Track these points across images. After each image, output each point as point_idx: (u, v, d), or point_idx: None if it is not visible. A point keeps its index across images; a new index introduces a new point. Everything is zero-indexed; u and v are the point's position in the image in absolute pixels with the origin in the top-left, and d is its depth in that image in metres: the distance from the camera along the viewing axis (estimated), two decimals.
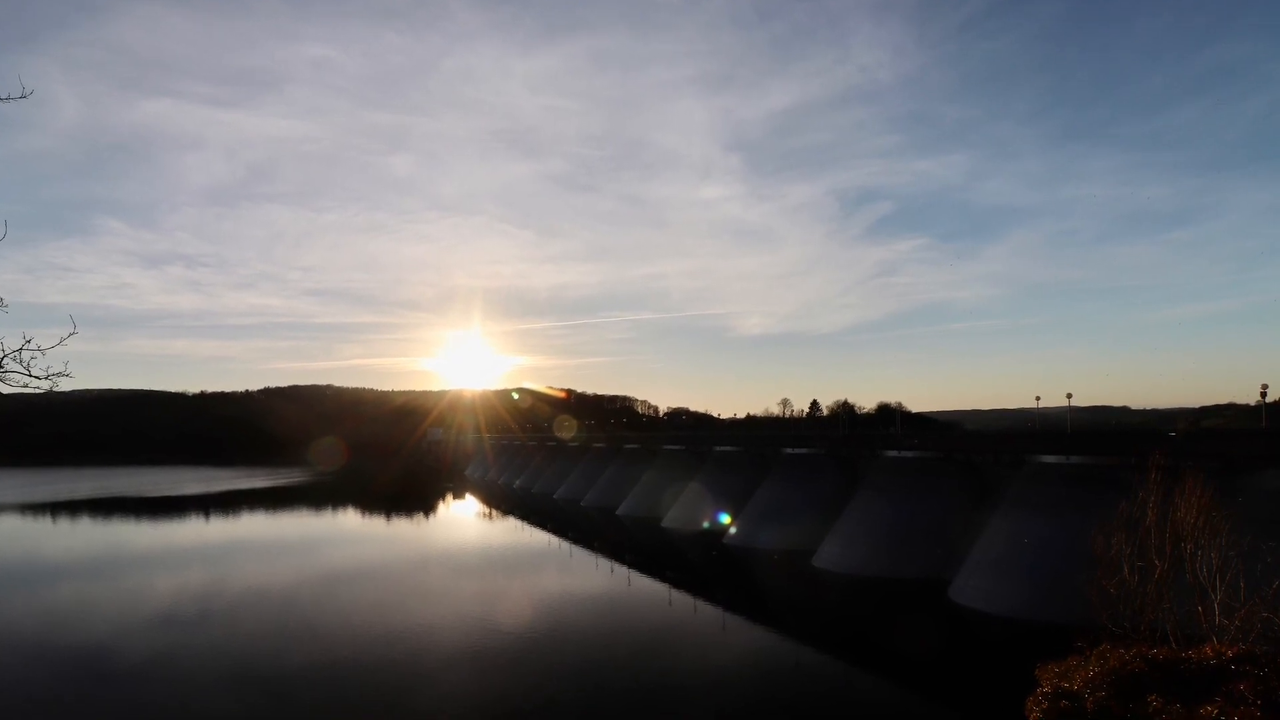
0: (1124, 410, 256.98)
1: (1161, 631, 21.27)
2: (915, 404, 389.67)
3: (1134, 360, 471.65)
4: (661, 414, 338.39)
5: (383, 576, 67.26)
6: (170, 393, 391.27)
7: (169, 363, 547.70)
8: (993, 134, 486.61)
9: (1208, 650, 18.91)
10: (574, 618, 50.74)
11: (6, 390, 10.56)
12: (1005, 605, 46.73)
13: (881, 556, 59.80)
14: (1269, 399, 58.42)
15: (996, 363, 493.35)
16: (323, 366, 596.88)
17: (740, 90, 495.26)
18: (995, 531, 52.92)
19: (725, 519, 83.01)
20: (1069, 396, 72.32)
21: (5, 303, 10.66)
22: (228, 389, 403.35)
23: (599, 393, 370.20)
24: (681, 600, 54.74)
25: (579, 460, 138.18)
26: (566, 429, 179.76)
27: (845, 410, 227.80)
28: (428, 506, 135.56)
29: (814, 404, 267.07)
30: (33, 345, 9.89)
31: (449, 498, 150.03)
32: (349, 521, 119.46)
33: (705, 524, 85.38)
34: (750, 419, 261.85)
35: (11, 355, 9.86)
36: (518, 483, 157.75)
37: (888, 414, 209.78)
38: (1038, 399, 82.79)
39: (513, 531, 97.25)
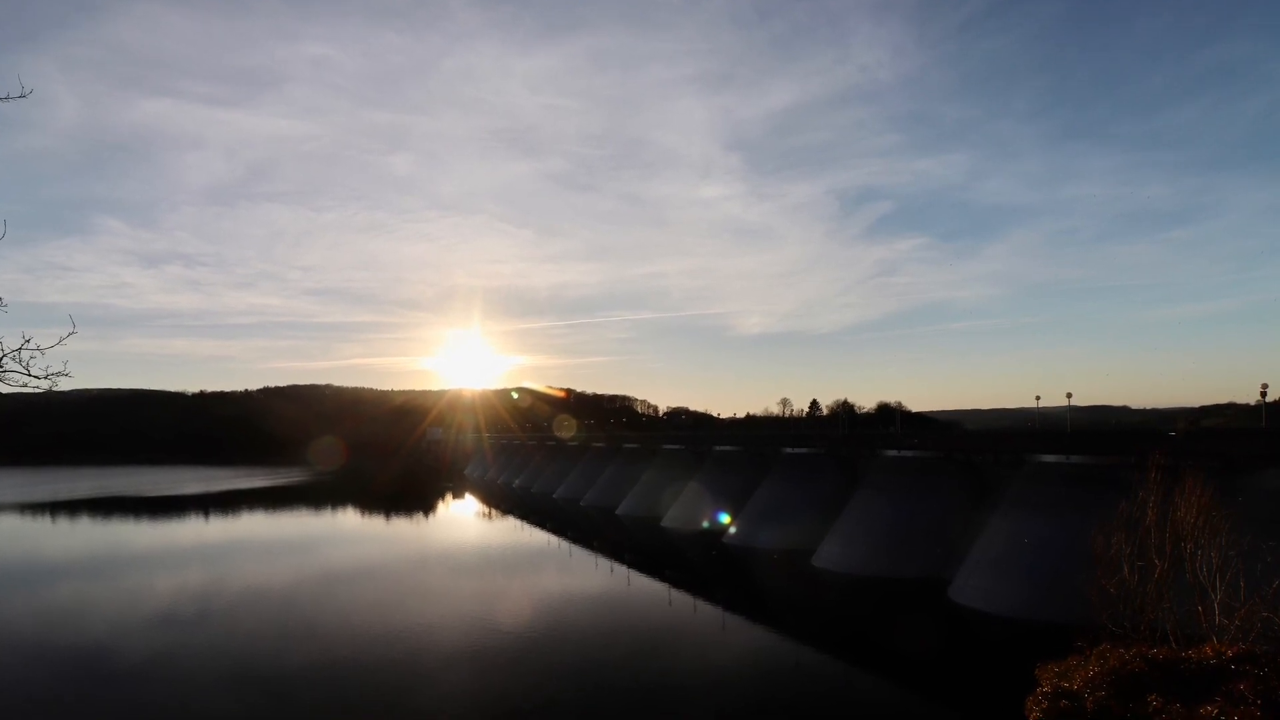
0: (1124, 410, 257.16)
1: (1161, 631, 21.26)
2: (915, 403, 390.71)
3: (1134, 360, 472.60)
4: (661, 413, 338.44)
5: (382, 576, 67.25)
6: (169, 392, 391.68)
7: (168, 362, 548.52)
8: (992, 133, 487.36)
9: (1208, 650, 18.91)
10: (573, 617, 50.73)
11: (6, 390, 10.55)
12: (1005, 605, 46.74)
13: (881, 556, 59.80)
14: (1269, 398, 58.46)
15: (996, 362, 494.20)
16: (322, 366, 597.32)
17: (740, 89, 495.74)
18: (995, 531, 52.92)
19: (725, 518, 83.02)
20: (1069, 396, 72.34)
21: (4, 302, 10.65)
22: (227, 388, 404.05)
23: (598, 392, 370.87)
24: (681, 600, 54.73)
25: (578, 460, 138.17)
26: (566, 428, 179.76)
27: (845, 410, 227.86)
28: (427, 506, 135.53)
29: (814, 403, 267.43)
30: (32, 345, 9.88)
31: (448, 497, 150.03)
32: (348, 521, 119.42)
33: (705, 523, 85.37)
34: (750, 418, 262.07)
35: (11, 355, 9.85)
36: (517, 482, 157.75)
37: (887, 413, 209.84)
38: (1037, 398, 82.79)
39: (512, 531, 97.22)
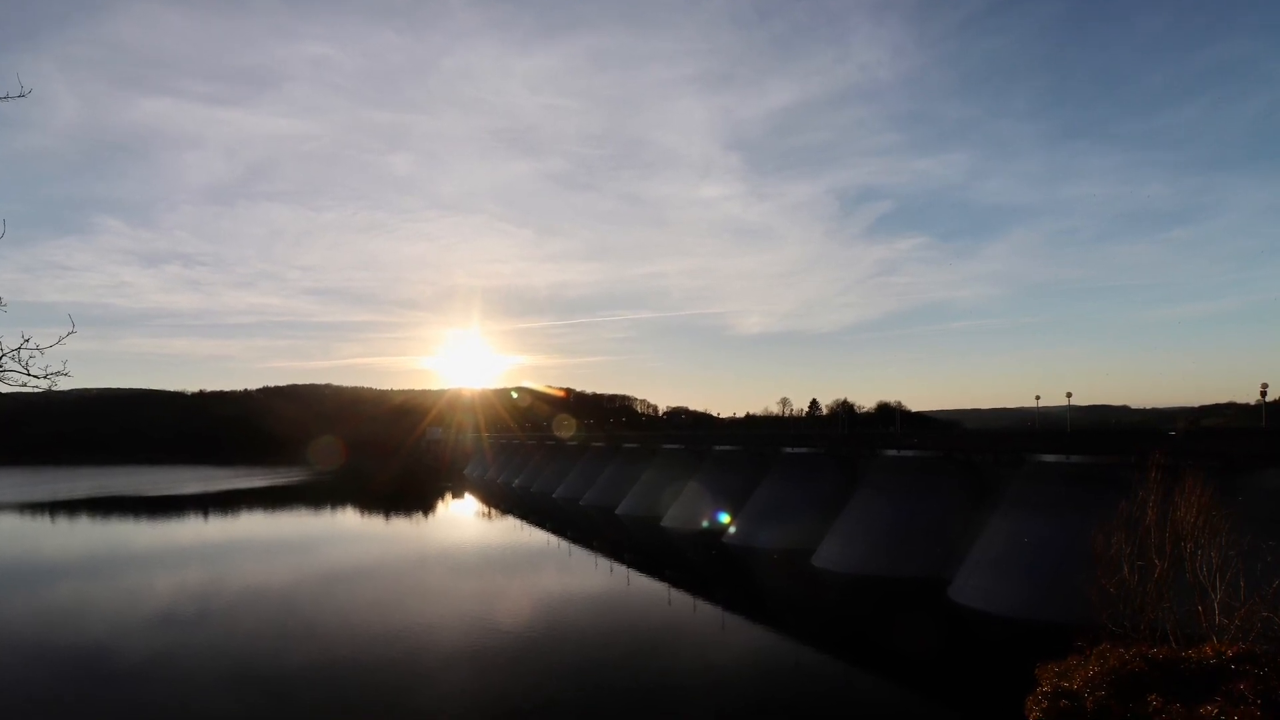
0: (1124, 409, 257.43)
1: (1161, 631, 21.23)
2: (915, 403, 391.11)
3: (1134, 359, 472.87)
4: (661, 413, 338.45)
5: (381, 576, 67.26)
6: (169, 392, 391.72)
7: (167, 362, 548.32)
8: (992, 133, 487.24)
9: (1208, 650, 18.87)
10: (573, 617, 50.74)
11: (5, 389, 10.53)
12: (1005, 604, 46.75)
13: (881, 556, 59.82)
14: (1269, 398, 58.50)
15: (996, 362, 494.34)
16: (322, 365, 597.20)
17: (740, 89, 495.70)
18: (995, 531, 52.93)
19: (724, 518, 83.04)
20: (1069, 395, 72.39)
21: (4, 302, 10.64)
22: (226, 388, 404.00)
23: (598, 392, 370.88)
24: (681, 599, 54.74)
25: (578, 459, 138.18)
26: (565, 428, 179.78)
27: (845, 409, 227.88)
28: (426, 505, 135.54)
29: (813, 403, 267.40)
30: (31, 344, 9.85)
31: (448, 497, 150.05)
32: (347, 520, 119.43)
33: (704, 523, 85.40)
34: (749, 418, 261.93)
35: (10, 354, 9.83)
36: (517, 482, 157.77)
37: (887, 413, 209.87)
38: (1037, 398, 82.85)
39: (511, 530, 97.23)
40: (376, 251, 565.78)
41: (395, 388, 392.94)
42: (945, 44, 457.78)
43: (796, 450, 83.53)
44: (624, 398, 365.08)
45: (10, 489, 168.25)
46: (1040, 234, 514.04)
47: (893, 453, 69.71)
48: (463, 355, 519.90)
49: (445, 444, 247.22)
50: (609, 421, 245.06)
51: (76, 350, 10.19)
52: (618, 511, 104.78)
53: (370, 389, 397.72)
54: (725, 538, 78.29)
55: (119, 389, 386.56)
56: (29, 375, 9.93)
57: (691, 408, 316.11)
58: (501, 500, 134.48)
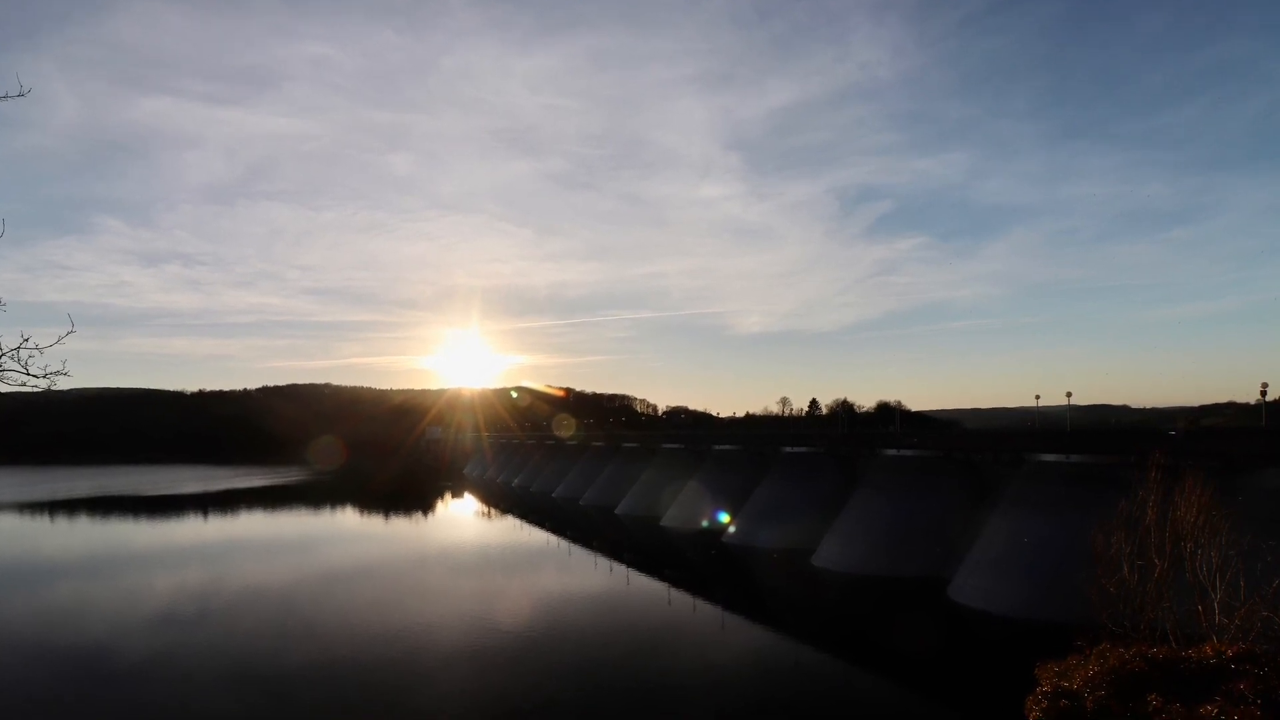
0: (1124, 409, 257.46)
1: (1161, 630, 21.23)
2: (914, 403, 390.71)
3: (1134, 359, 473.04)
4: (660, 413, 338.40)
5: (381, 575, 67.23)
6: (168, 391, 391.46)
7: (167, 361, 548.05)
8: (992, 132, 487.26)
9: (1208, 649, 18.89)
10: (573, 617, 50.72)
11: (5, 389, 10.52)
12: (1005, 604, 46.75)
13: (881, 555, 59.81)
14: (1269, 398, 58.52)
15: (996, 361, 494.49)
16: (321, 365, 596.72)
17: (740, 89, 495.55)
18: (995, 530, 52.93)
19: (724, 518, 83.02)
20: (1068, 395, 72.53)
21: (3, 301, 10.65)
22: (226, 388, 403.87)
23: (598, 391, 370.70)
24: (680, 599, 54.72)
25: (578, 459, 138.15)
26: (565, 427, 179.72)
27: (844, 409, 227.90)
28: (426, 505, 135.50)
29: (813, 403, 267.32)
30: (31, 344, 9.85)
31: (447, 496, 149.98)
32: (347, 520, 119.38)
33: (704, 523, 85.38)
34: (749, 418, 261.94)
35: (10, 354, 9.83)
36: (516, 481, 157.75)
37: (887, 413, 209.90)
38: (1037, 398, 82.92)
39: (511, 530, 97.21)
40: (376, 251, 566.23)
41: (395, 387, 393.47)
42: (945, 43, 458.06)
43: (796, 450, 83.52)
44: (624, 397, 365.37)
45: (10, 489, 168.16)
46: (1040, 234, 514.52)
47: (892, 452, 69.70)
48: (462, 355, 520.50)
49: (445, 444, 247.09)
50: (609, 421, 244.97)
51: (76, 350, 10.19)
52: (617, 511, 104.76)
53: (370, 389, 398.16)
54: (725, 537, 78.28)
55: (118, 389, 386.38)
56: (28, 375, 9.93)
57: (691, 407, 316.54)
58: (501, 500, 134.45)
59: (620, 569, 65.89)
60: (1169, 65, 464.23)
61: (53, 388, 10.33)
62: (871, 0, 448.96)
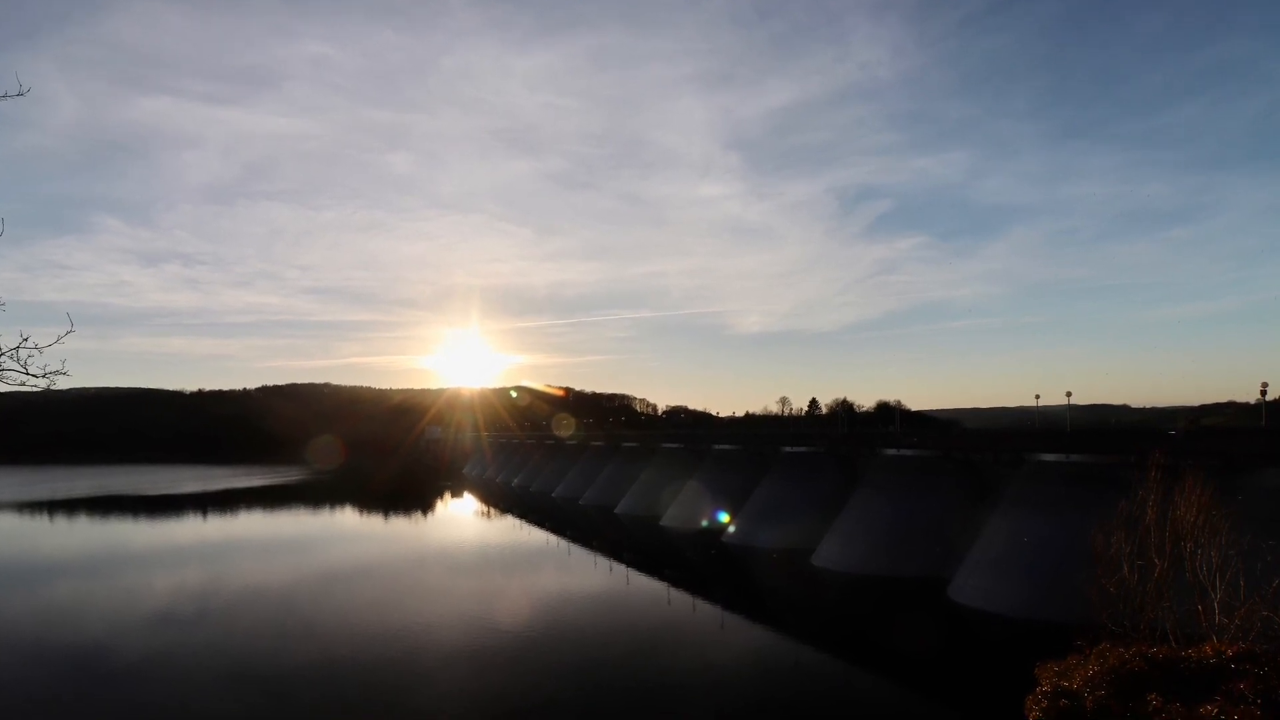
0: (1124, 409, 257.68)
1: (1161, 630, 21.22)
2: (914, 402, 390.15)
3: (1134, 358, 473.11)
4: (660, 412, 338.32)
5: (380, 575, 67.22)
6: (168, 391, 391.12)
7: (166, 361, 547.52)
8: (992, 132, 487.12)
9: (1207, 649, 18.87)
10: (572, 616, 50.72)
11: (4, 389, 10.50)
12: (1005, 604, 46.76)
13: (881, 555, 59.82)
14: (1269, 397, 58.54)
15: (996, 361, 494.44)
16: (321, 365, 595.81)
17: (739, 88, 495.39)
18: (995, 530, 52.94)
19: (724, 517, 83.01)
20: (1068, 395, 72.49)
21: (2, 301, 10.63)
22: (225, 387, 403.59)
23: (597, 391, 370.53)
24: (680, 599, 54.73)
25: (577, 459, 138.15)
26: (565, 427, 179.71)
27: (844, 408, 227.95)
28: (425, 505, 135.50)
29: (813, 402, 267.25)
30: (30, 343, 9.82)
31: (447, 496, 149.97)
32: (347, 520, 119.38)
33: (704, 522, 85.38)
34: (749, 417, 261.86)
35: (9, 354, 9.80)
36: (516, 481, 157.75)
37: (887, 412, 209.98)
38: (1037, 397, 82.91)
39: (511, 530, 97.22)
40: (376, 251, 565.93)
41: (394, 387, 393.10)
42: (945, 43, 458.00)
43: (796, 450, 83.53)
44: (623, 397, 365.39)
45: (9, 488, 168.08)
46: (1040, 233, 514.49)
47: (892, 452, 69.71)
48: (462, 354, 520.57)
49: (444, 443, 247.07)
50: (608, 421, 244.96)
51: (75, 349, 10.17)
52: (617, 511, 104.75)
53: (369, 388, 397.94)
54: (725, 537, 78.27)
55: (118, 388, 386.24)
56: (27, 374, 9.90)
57: (691, 407, 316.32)
58: (500, 499, 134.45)
59: (620, 569, 65.88)
60: (1169, 65, 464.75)
61: (52, 387, 10.31)
62: (871, 0, 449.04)
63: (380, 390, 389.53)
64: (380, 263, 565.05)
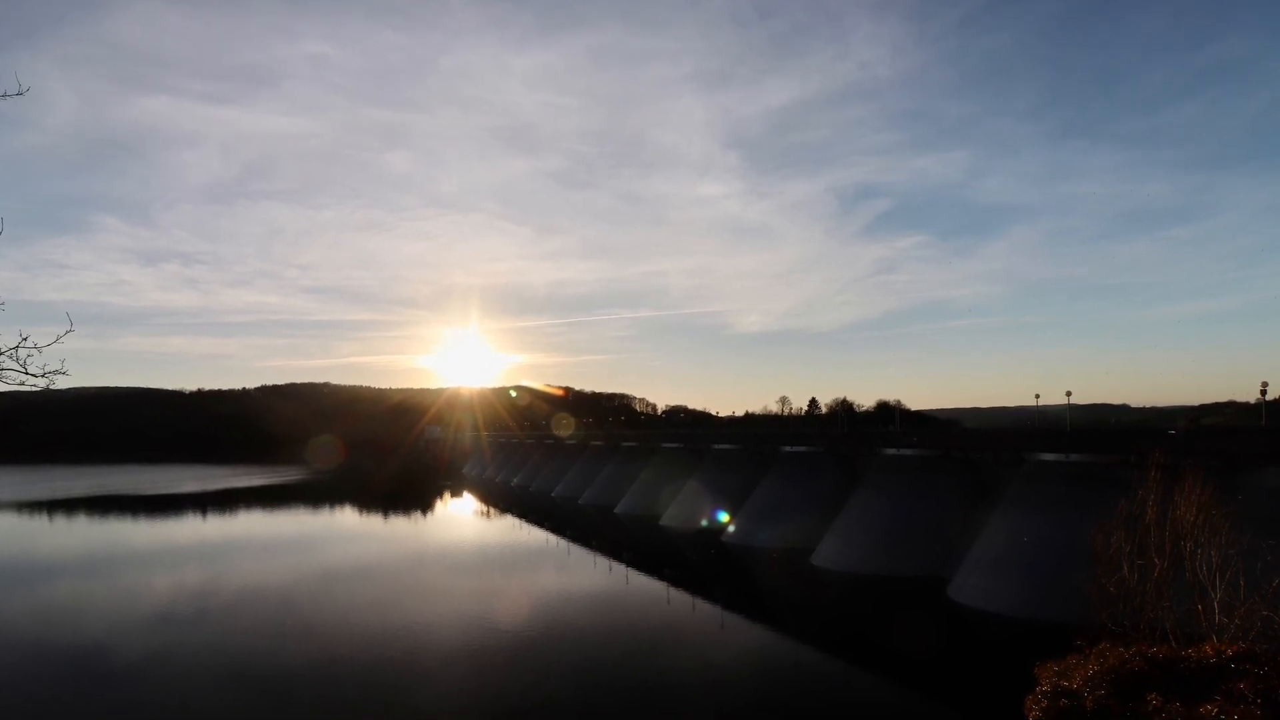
0: (1123, 408, 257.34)
1: (1161, 630, 21.21)
2: (914, 402, 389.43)
3: (1134, 358, 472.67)
4: (660, 412, 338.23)
5: (380, 574, 67.20)
6: (167, 390, 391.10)
7: (165, 360, 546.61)
8: (992, 131, 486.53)
9: (1207, 649, 18.86)
10: (572, 616, 50.72)
11: (3, 388, 10.49)
12: (1004, 604, 46.77)
13: (880, 555, 59.83)
14: (1269, 397, 58.57)
15: (995, 361, 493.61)
16: (320, 364, 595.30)
17: (739, 87, 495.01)
18: (994, 530, 52.95)
19: (724, 517, 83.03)
20: (1068, 394, 72.45)
21: (2, 300, 10.63)
22: (224, 387, 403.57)
23: (597, 390, 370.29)
24: (680, 599, 54.73)
25: (577, 458, 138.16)
26: (564, 427, 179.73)
27: (844, 408, 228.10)
28: (425, 504, 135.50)
29: (813, 402, 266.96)
30: (29, 343, 9.80)
31: (446, 495, 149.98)
32: (346, 520, 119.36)
33: (704, 522, 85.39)
34: (749, 417, 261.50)
35: (8, 353, 9.79)
36: (515, 481, 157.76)
37: (887, 412, 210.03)
38: (1037, 397, 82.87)
39: (510, 529, 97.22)
40: (375, 250, 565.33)
41: (394, 386, 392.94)
42: (945, 42, 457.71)
43: (796, 449, 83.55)
44: (623, 396, 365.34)
45: (8, 488, 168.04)
46: (1040, 232, 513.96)
47: (892, 451, 69.72)
48: (461, 354, 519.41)
49: (444, 443, 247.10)
50: (608, 420, 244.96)
51: (74, 349, 10.15)
52: (616, 510, 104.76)
53: (369, 388, 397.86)
54: (724, 537, 78.28)
55: (117, 388, 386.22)
56: (27, 374, 9.89)
57: (690, 406, 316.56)
58: (500, 499, 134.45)
59: (619, 568, 65.88)
60: (1169, 64, 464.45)
61: (51, 387, 10.30)
62: None
63: (380, 390, 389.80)
64: (379, 262, 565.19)
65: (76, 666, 40.22)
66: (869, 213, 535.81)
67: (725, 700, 34.28)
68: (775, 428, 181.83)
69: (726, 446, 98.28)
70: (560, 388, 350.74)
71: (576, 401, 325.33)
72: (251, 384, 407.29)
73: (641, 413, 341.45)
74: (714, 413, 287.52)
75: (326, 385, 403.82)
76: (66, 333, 10.19)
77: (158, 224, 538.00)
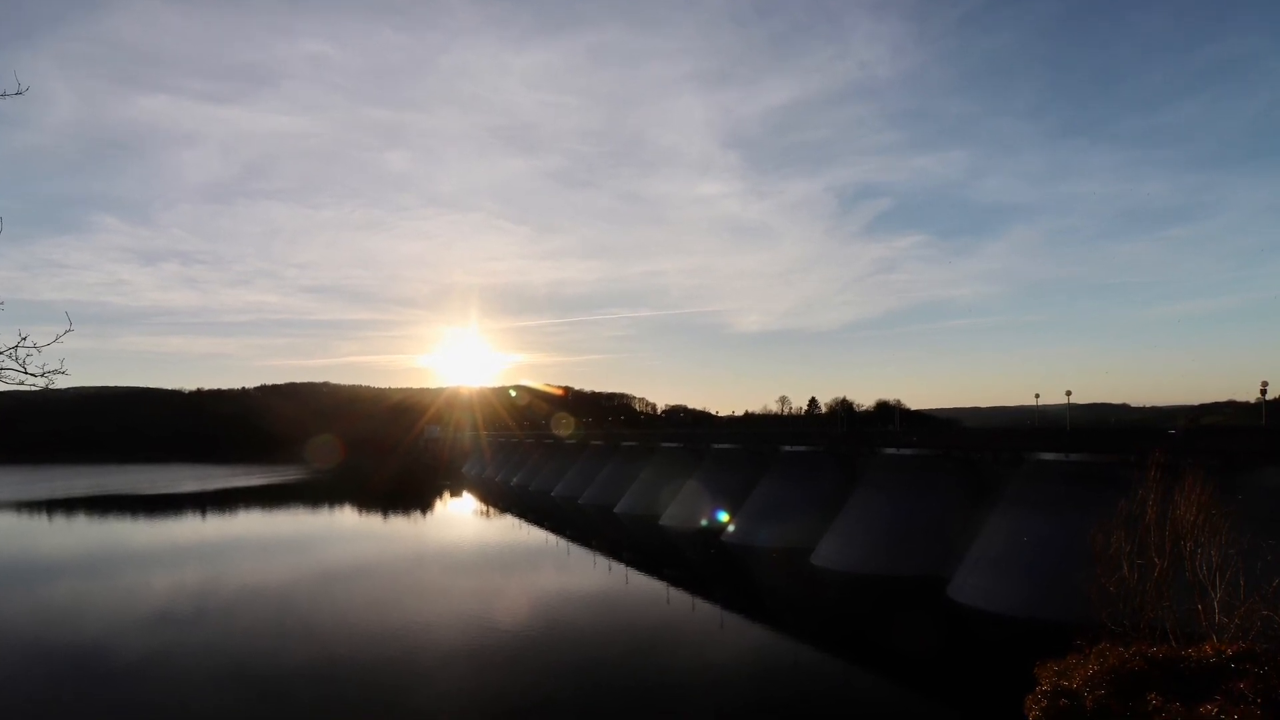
0: (1123, 408, 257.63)
1: (1161, 629, 21.20)
2: (914, 401, 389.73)
3: (1133, 357, 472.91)
4: (659, 411, 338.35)
5: (379, 574, 67.18)
6: (166, 390, 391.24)
7: (165, 360, 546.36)
8: (992, 130, 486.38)
9: (1207, 648, 18.85)
10: (571, 616, 50.72)
11: (3, 388, 10.47)
12: (1004, 603, 46.78)
13: (880, 554, 59.84)
14: (1269, 396, 58.61)
15: (995, 360, 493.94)
16: (319, 364, 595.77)
17: (739, 87, 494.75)
18: (994, 529, 52.96)
19: (723, 517, 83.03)
20: (1068, 394, 72.53)
21: (1, 300, 10.61)
22: (224, 386, 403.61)
23: (596, 390, 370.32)
24: (679, 598, 54.73)
25: (576, 458, 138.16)
26: (564, 426, 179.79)
27: (844, 407, 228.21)
28: (424, 504, 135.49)
29: (812, 401, 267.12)
30: (28, 342, 9.78)
31: (446, 495, 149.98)
32: (345, 519, 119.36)
33: (703, 522, 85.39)
34: (748, 416, 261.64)
35: (7, 353, 9.77)
36: (515, 480, 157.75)
37: (886, 411, 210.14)
38: (1037, 396, 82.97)
39: (510, 529, 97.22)
40: (374, 249, 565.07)
41: (393, 386, 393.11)
42: (945, 41, 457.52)
43: (795, 449, 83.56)
44: (622, 396, 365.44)
45: (8, 487, 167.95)
46: (1040, 232, 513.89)
47: (892, 451, 69.73)
48: (461, 353, 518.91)
49: (443, 442, 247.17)
50: (607, 420, 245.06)
51: (74, 348, 10.13)
52: (616, 510, 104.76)
53: (368, 387, 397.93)
54: (724, 536, 78.28)
55: (116, 387, 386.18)
56: (26, 374, 9.87)
57: (690, 406, 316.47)
58: (499, 498, 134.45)
59: (619, 568, 65.89)
60: (1169, 63, 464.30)
61: (50, 386, 10.28)
62: None
63: (379, 389, 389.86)
64: (379, 261, 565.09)
65: (76, 666, 40.19)
66: (869, 212, 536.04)
67: (725, 700, 34.28)
68: (775, 427, 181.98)
69: (726, 446, 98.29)
70: (560, 387, 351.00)
71: (576, 401, 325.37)
72: (251, 383, 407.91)
73: (641, 412, 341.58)
74: (714, 412, 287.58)
75: (326, 385, 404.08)
76: (66, 332, 10.16)
77: (157, 223, 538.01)
